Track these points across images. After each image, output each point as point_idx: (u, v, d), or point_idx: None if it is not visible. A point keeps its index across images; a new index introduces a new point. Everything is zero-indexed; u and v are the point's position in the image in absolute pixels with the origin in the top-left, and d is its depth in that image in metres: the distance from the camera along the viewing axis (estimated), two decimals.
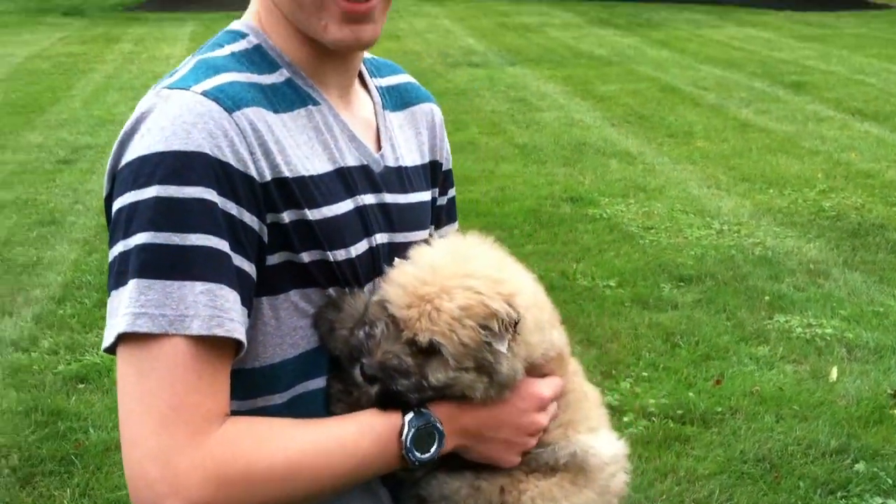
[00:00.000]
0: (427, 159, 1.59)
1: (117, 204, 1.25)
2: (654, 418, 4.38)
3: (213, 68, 1.33)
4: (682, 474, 3.93)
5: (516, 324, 1.31)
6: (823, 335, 5.20)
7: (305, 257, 1.33)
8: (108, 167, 1.32)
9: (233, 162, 1.25)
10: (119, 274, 1.23)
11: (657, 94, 12.02)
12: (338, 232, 1.35)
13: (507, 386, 1.35)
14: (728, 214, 7.29)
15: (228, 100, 1.28)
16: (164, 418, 1.20)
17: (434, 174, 1.61)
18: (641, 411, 4.44)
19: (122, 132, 1.30)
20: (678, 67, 13.92)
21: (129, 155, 1.26)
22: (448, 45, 16.24)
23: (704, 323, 5.38)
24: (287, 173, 1.31)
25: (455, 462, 1.40)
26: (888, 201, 7.55)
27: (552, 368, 1.46)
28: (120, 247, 1.23)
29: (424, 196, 1.55)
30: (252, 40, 1.40)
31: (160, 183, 1.21)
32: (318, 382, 1.39)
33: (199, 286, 1.21)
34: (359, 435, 1.30)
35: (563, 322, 4.79)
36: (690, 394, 4.57)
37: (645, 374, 4.81)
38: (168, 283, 1.20)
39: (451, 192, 1.69)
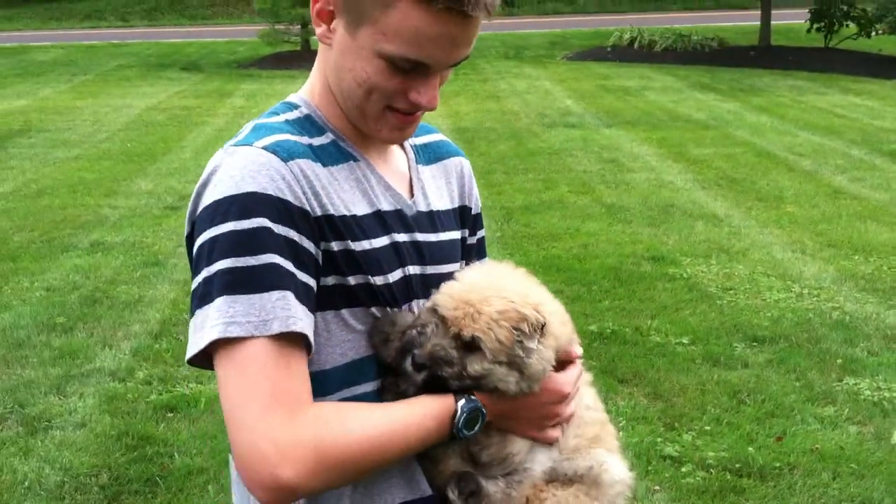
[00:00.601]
0: (457, 204, 1.84)
1: (199, 240, 1.52)
2: (711, 470, 4.48)
3: (269, 130, 1.61)
4: None
5: (543, 326, 1.58)
6: (891, 399, 5.22)
7: (352, 280, 1.59)
8: (188, 212, 1.60)
9: (291, 199, 1.52)
10: (204, 295, 1.50)
11: (751, 158, 12.05)
12: (376, 261, 1.61)
13: (536, 380, 1.60)
14: (810, 279, 7.32)
15: (284, 152, 1.56)
16: (266, 404, 1.45)
17: (463, 217, 1.86)
18: (700, 463, 4.55)
19: (198, 184, 1.59)
20: (775, 133, 13.91)
21: (206, 200, 1.54)
22: (546, 105, 16.54)
23: (773, 382, 5.45)
24: (333, 212, 1.58)
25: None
26: None
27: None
28: (203, 273, 1.50)
29: (454, 235, 1.80)
30: (303, 111, 1.68)
31: (234, 220, 1.49)
32: (363, 388, 1.64)
33: (275, 294, 1.48)
34: (422, 415, 1.56)
35: (633, 376, 5.03)
36: (750, 449, 4.65)
37: (707, 427, 4.91)
38: (249, 296, 1.47)
39: (481, 233, 1.93)
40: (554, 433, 1.68)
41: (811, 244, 8.30)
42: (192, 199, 1.59)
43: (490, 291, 1.58)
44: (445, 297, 1.59)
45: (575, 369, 1.71)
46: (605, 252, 7.99)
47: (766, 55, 23.17)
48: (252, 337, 1.45)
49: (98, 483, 4.33)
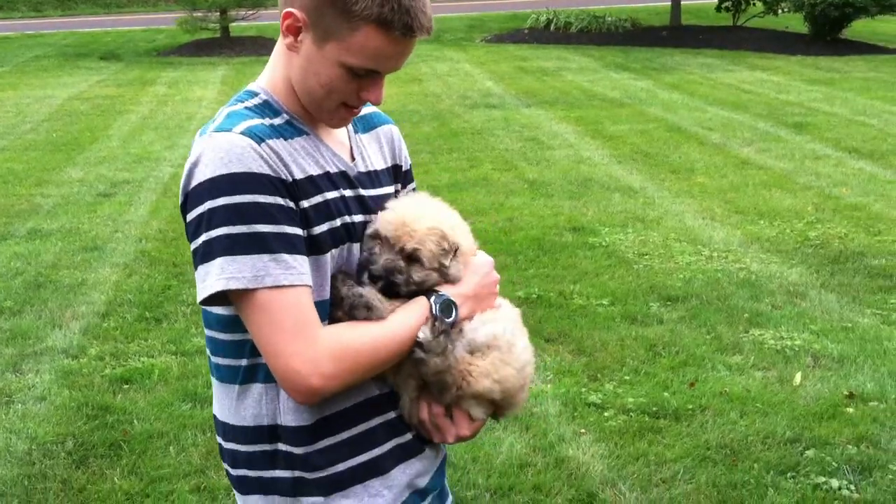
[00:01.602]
0: (389, 164, 2.25)
1: (198, 210, 1.89)
2: (631, 413, 4.93)
3: (240, 116, 1.98)
4: (652, 458, 4.48)
5: (456, 249, 2.04)
6: (793, 346, 5.74)
7: (315, 230, 1.96)
8: (181, 185, 1.96)
9: (270, 173, 1.90)
10: (206, 254, 1.88)
11: (664, 134, 12.60)
12: (329, 211, 1.99)
13: (456, 279, 2.05)
14: (718, 243, 7.85)
15: (256, 136, 1.92)
16: (291, 332, 1.86)
17: (396, 173, 2.26)
18: (621, 408, 5.00)
19: (187, 165, 1.94)
20: (687, 109, 14.52)
21: (199, 177, 1.89)
22: (467, 87, 16.94)
23: (685, 336, 5.93)
24: (298, 176, 1.95)
25: None
26: (870, 231, 8.09)
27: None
28: (203, 237, 1.88)
29: (389, 189, 2.21)
30: (262, 97, 2.05)
31: (227, 195, 1.86)
32: None
33: (266, 256, 1.86)
34: (408, 316, 1.98)
35: (558, 335, 5.43)
36: (666, 394, 5.12)
37: (627, 377, 5.36)
38: (244, 257, 1.85)
39: (411, 186, 2.33)
40: (495, 301, 2.13)
41: (720, 211, 8.85)
42: (184, 175, 1.94)
43: (418, 214, 2.02)
44: (384, 222, 2.02)
45: (482, 254, 2.17)
46: (529, 224, 8.42)
47: (677, 34, 23.90)
48: (256, 289, 1.84)
49: (64, 449, 4.60)
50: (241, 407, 2.00)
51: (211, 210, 1.86)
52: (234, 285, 1.84)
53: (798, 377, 5.31)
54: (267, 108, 2.01)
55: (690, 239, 7.97)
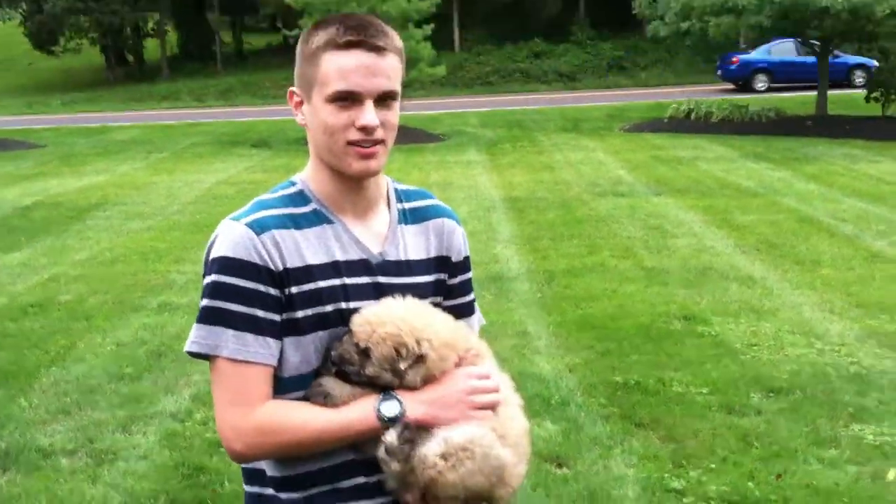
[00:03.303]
0: (433, 255, 2.34)
1: (203, 281, 2.15)
2: (711, 502, 4.86)
3: (261, 206, 2.17)
4: None
5: (421, 357, 2.10)
6: (893, 443, 5.53)
7: (299, 314, 2.13)
8: (203, 261, 2.20)
9: (258, 262, 2.09)
10: (197, 317, 2.12)
11: (794, 224, 12.37)
12: (319, 298, 2.15)
13: (413, 385, 2.11)
14: (833, 336, 7.64)
15: (259, 227, 2.12)
16: (230, 401, 2.07)
17: (441, 264, 2.34)
18: (702, 496, 4.93)
19: (209, 241, 2.17)
20: (822, 200, 14.22)
21: (212, 255, 2.14)
22: (598, 175, 17.05)
23: (782, 428, 5.80)
24: (291, 265, 2.12)
25: None
26: None
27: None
28: (200, 303, 2.13)
29: (425, 279, 2.30)
30: (298, 187, 2.23)
31: (217, 273, 2.10)
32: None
33: (230, 332, 2.08)
34: (350, 410, 2.09)
35: (650, 421, 5.46)
36: (750, 484, 5.02)
37: (713, 466, 5.28)
38: (210, 327, 2.08)
39: (462, 276, 2.39)
40: (479, 415, 2.13)
41: (840, 304, 8.61)
42: (205, 251, 2.19)
43: (388, 318, 2.12)
44: (358, 316, 2.14)
45: (475, 368, 2.17)
46: (639, 311, 8.40)
47: (822, 124, 23.46)
48: (215, 356, 2.07)
49: None
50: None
51: (205, 283, 2.12)
52: (194, 349, 2.10)
53: (892, 473, 5.12)
54: (298, 198, 2.20)
55: (804, 331, 7.79)
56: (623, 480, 5.11)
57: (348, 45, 2.07)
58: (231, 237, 2.09)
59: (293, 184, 2.23)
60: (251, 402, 2.06)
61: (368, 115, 2.10)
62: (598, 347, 7.40)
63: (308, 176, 2.22)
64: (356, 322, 2.12)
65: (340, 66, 2.07)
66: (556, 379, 6.69)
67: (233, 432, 2.06)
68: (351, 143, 2.12)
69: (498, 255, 10.87)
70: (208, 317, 2.07)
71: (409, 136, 23.60)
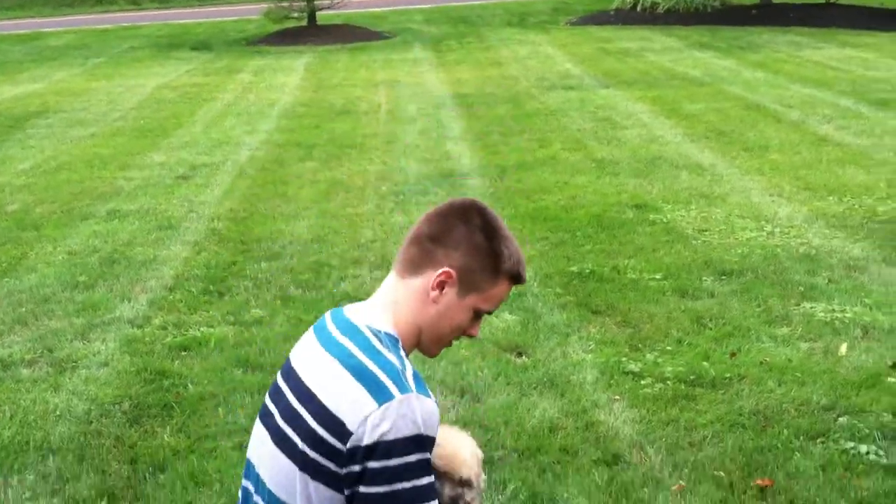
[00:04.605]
0: None
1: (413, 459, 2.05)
2: (668, 382, 4.97)
3: (419, 380, 2.08)
4: (682, 424, 4.52)
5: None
6: (843, 318, 5.68)
7: None
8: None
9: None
10: None
11: (741, 112, 12.44)
12: None
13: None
14: (782, 219, 7.77)
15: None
16: None
17: None
18: (658, 376, 5.04)
19: (402, 414, 2.03)
20: (768, 87, 14.29)
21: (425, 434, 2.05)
22: (546, 70, 16.94)
23: (734, 309, 5.92)
24: None
25: None
26: None
27: None
28: None
29: None
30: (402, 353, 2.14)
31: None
32: None
33: None
34: None
35: (605, 307, 5.54)
36: (705, 364, 5.14)
37: (669, 348, 5.40)
38: None
39: None
40: None
41: (789, 188, 8.73)
42: (401, 423, 2.04)
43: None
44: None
45: None
46: (591, 202, 8.46)
47: (767, 13, 23.45)
48: None
49: (121, 409, 4.87)
50: None
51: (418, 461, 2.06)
52: None
53: (843, 348, 5.27)
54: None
55: (754, 215, 7.90)
56: (581, 365, 5.20)
57: (517, 285, 2.19)
58: (433, 415, 2.03)
59: (396, 341, 2.14)
60: None
61: (479, 327, 2.22)
62: (553, 239, 7.45)
63: (401, 334, 2.14)
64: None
65: (503, 297, 2.18)
66: None
67: None
68: (451, 342, 2.21)
69: (449, 152, 10.82)
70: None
71: (354, 34, 23.21)
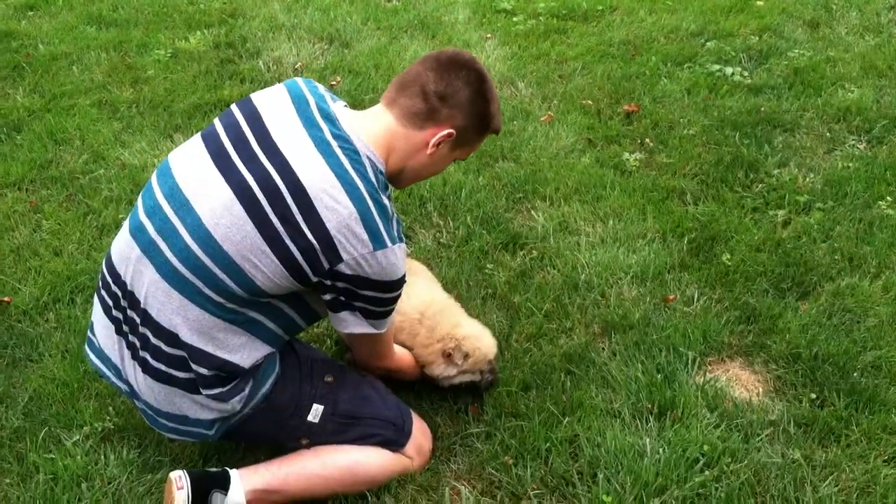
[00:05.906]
0: None
1: (397, 294, 2.22)
2: (540, 18, 4.88)
3: (385, 216, 2.10)
4: (553, 57, 4.48)
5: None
6: None
7: None
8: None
9: None
10: None
11: None
12: None
13: None
14: None
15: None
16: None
17: None
18: (531, 13, 4.94)
19: (384, 261, 2.09)
20: None
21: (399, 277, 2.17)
22: None
23: None
24: None
25: None
26: None
27: None
28: None
29: None
30: (383, 180, 2.17)
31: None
32: None
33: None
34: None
35: None
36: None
37: None
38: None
39: None
40: None
41: None
42: (382, 266, 2.11)
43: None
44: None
45: None
46: None
47: None
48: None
49: None
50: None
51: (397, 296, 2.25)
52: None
53: None
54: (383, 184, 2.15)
55: None
56: (453, 6, 5.05)
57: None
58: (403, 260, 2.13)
59: (380, 171, 2.13)
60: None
61: None
62: None
63: (385, 156, 2.15)
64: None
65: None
66: None
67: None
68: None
69: None
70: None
71: None
